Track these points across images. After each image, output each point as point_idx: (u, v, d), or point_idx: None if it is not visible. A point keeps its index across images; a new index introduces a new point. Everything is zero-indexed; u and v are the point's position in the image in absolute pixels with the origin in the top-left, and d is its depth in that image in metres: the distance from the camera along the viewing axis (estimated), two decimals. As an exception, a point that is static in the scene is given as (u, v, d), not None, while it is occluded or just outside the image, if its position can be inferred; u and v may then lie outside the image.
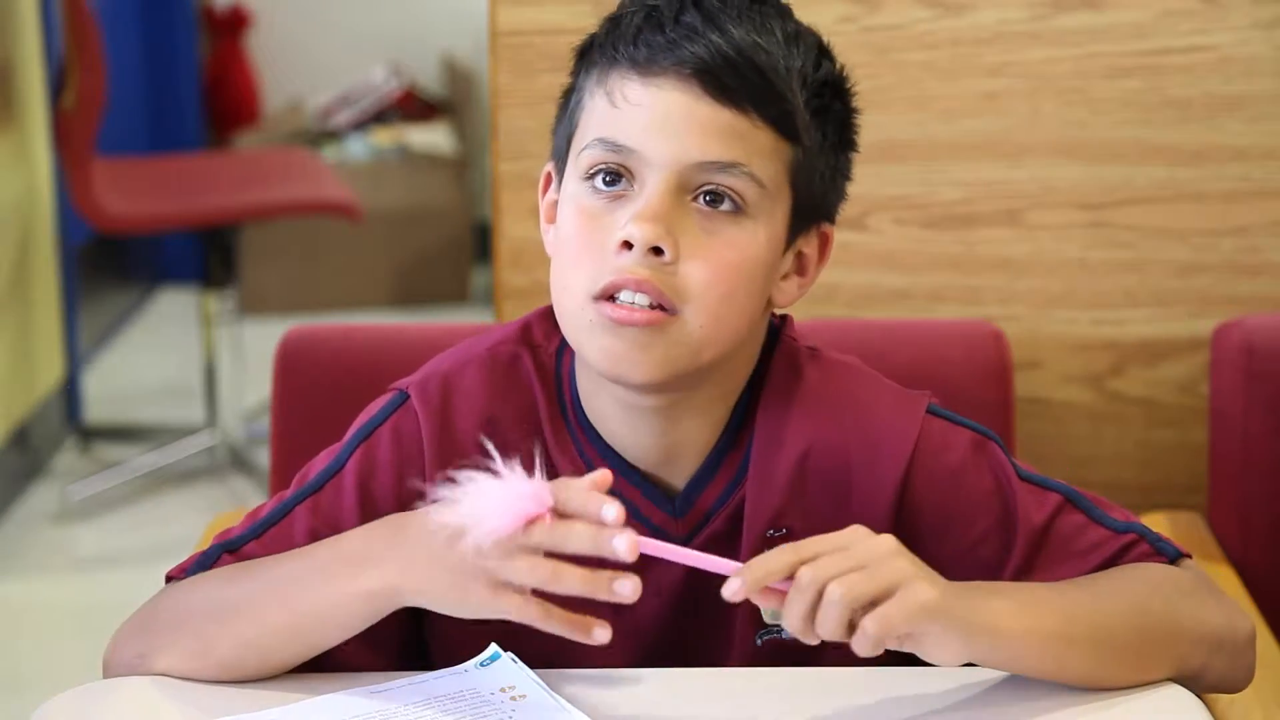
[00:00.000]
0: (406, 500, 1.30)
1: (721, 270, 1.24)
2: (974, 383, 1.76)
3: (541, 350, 1.36)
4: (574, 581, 1.14)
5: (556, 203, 1.32)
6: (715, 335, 1.26)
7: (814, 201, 1.31)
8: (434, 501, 1.16)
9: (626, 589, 1.13)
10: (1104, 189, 2.06)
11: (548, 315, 1.37)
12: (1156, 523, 1.95)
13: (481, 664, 1.27)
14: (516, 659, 1.26)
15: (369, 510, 1.31)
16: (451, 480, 1.14)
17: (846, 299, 2.08)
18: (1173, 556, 1.33)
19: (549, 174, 1.35)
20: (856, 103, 1.34)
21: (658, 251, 1.23)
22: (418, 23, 5.51)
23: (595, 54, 1.29)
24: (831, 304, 2.06)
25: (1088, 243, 2.07)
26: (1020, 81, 2.04)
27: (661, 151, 1.24)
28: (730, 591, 1.14)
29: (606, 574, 1.14)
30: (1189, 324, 2.08)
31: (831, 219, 1.34)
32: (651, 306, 1.23)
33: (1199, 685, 1.28)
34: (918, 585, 1.15)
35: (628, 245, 1.23)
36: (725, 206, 1.25)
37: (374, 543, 1.22)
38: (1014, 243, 2.07)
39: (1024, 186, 2.06)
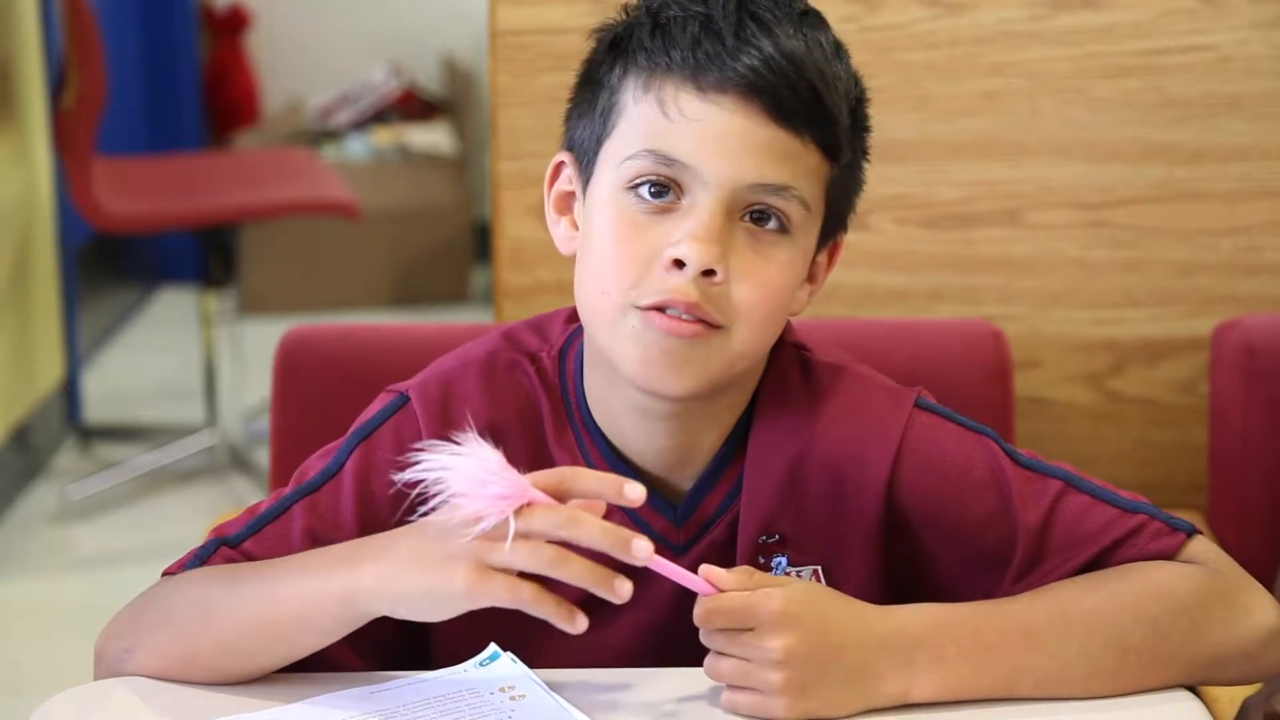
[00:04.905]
0: (405, 501, 1.30)
1: (769, 290, 1.25)
2: (974, 383, 1.76)
3: (540, 355, 1.35)
4: (578, 570, 1.12)
5: (571, 195, 1.31)
6: (754, 350, 1.27)
7: (839, 215, 1.32)
8: (418, 494, 1.14)
9: (625, 590, 1.12)
10: (1103, 189, 2.05)
11: (537, 325, 1.37)
12: (1156, 522, 1.95)
13: (481, 664, 1.27)
14: (516, 659, 1.26)
15: (367, 510, 1.30)
16: (430, 460, 1.13)
17: (846, 299, 2.07)
18: (1189, 532, 1.31)
19: (560, 164, 1.33)
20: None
21: (709, 272, 1.22)
22: (418, 23, 5.50)
23: (638, 55, 1.26)
24: (831, 304, 2.06)
25: (1087, 242, 2.07)
26: (1020, 81, 2.04)
27: (718, 171, 1.22)
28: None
29: (608, 571, 1.12)
30: (1189, 324, 2.07)
31: (847, 229, 1.35)
32: (698, 320, 1.23)
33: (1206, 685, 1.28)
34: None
35: (679, 264, 1.22)
36: (772, 225, 1.25)
37: (362, 547, 1.20)
38: (1013, 242, 2.07)
39: (1023, 186, 2.06)
